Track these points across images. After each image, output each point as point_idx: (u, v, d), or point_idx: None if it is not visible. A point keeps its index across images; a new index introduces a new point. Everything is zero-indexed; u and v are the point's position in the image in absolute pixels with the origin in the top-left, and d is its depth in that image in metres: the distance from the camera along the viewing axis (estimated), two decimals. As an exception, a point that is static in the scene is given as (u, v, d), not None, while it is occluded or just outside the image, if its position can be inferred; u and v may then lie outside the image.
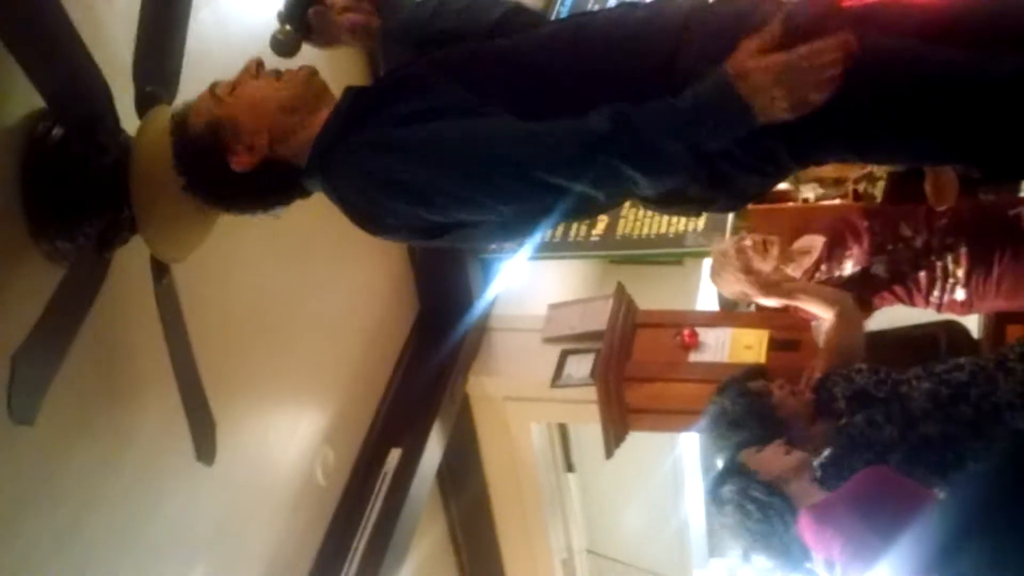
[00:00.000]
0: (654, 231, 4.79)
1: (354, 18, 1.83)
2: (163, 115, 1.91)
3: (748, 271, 3.23)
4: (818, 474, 2.50)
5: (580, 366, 3.93)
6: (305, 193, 1.78)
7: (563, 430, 4.94)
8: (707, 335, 3.90)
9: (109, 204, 1.91)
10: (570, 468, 5.05)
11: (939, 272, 3.17)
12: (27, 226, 1.91)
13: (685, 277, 5.25)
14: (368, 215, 1.70)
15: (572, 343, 4.04)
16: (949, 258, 3.15)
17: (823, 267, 3.30)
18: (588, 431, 4.38)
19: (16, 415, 1.72)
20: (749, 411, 2.68)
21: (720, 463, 2.69)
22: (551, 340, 4.10)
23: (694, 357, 3.85)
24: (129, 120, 1.95)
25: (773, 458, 2.45)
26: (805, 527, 2.28)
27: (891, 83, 1.49)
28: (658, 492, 5.08)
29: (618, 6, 1.76)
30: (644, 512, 5.21)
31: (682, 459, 5.02)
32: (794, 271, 3.28)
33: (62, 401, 1.95)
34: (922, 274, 3.18)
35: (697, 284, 5.20)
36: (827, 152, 1.63)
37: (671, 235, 4.96)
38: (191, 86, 1.88)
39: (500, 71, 1.66)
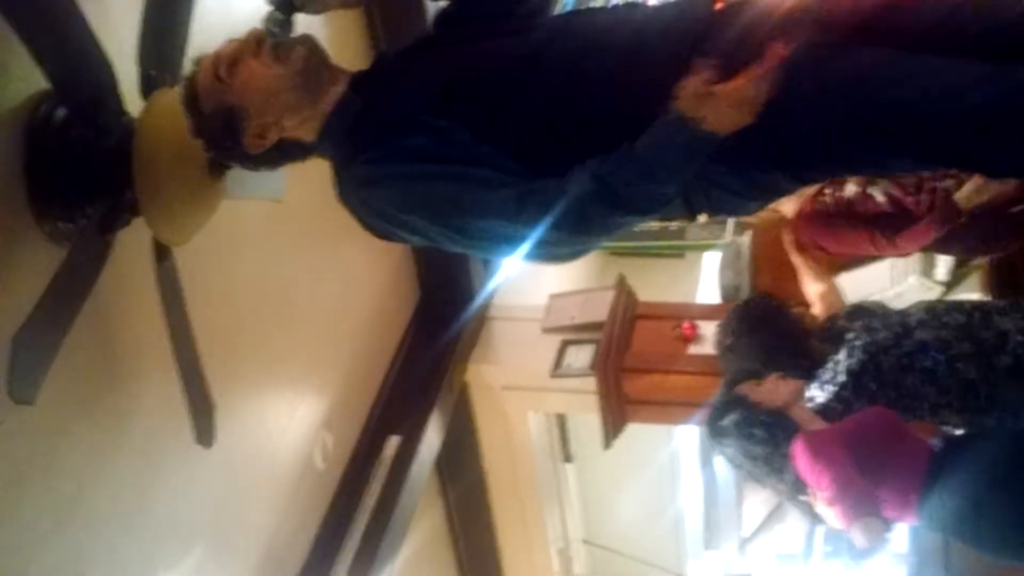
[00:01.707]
0: (656, 224, 4.80)
1: None
2: (166, 98, 1.92)
3: None
4: (815, 382, 2.64)
5: (580, 356, 3.93)
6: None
7: (561, 420, 4.94)
8: (707, 327, 3.89)
9: (111, 186, 1.92)
10: (568, 458, 5.06)
11: (939, 192, 3.19)
12: (29, 207, 1.92)
13: (686, 270, 5.26)
14: (373, 228, 1.78)
15: (572, 333, 4.05)
16: (950, 181, 3.17)
17: (827, 191, 3.32)
18: (586, 421, 4.39)
19: (16, 395, 1.72)
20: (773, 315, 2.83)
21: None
22: (551, 330, 4.10)
23: (693, 349, 3.86)
24: (133, 103, 1.96)
25: (772, 388, 2.56)
26: (799, 454, 2.34)
27: (867, 109, 1.54)
28: (655, 483, 5.09)
29: (623, 7, 1.79)
30: (641, 503, 5.22)
31: (679, 451, 5.03)
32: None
33: (62, 382, 1.95)
34: (923, 196, 3.21)
35: (698, 277, 5.21)
36: (818, 172, 1.75)
37: (673, 228, 4.98)
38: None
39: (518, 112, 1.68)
